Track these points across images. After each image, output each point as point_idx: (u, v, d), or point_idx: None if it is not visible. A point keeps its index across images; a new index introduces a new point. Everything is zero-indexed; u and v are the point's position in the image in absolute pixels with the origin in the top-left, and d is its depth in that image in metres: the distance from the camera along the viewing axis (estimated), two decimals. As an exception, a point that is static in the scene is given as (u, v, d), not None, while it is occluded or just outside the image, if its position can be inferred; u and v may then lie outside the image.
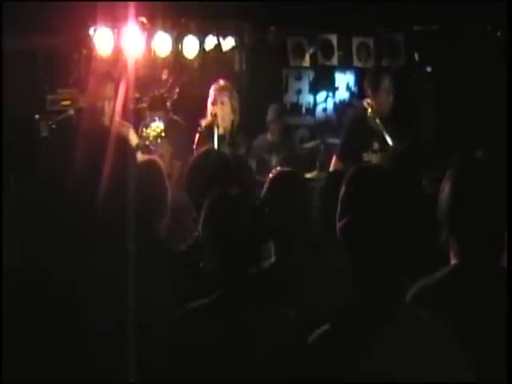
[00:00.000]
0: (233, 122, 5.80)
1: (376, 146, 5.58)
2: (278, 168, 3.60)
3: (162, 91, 7.17)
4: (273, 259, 3.16)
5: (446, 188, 2.48)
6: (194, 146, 5.62)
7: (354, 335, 2.21)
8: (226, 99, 5.77)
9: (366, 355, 2.16)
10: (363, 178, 2.39)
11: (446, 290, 2.44)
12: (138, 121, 6.13)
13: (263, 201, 3.23)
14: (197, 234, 3.30)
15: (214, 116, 5.70)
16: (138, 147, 5.43)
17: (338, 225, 2.30)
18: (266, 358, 2.39)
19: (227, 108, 5.77)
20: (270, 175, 3.41)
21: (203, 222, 2.55)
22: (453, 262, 2.49)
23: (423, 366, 2.15)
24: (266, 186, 3.35)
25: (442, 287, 2.45)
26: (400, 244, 2.26)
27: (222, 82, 5.90)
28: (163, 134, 6.00)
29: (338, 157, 5.78)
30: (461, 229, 2.46)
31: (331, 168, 5.75)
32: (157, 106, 6.57)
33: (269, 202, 3.19)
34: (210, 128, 5.73)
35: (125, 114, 5.48)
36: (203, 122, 5.85)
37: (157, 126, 6.07)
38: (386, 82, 5.66)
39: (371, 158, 5.50)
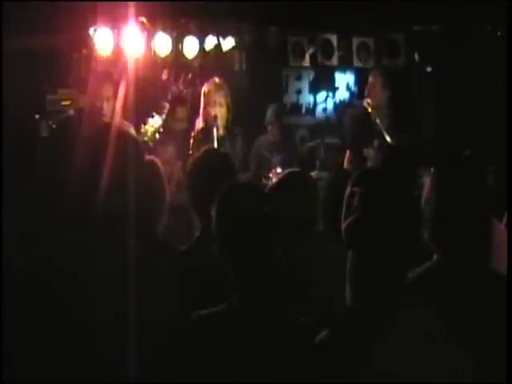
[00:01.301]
0: (227, 119, 5.83)
1: (376, 144, 5.62)
2: (290, 169, 3.58)
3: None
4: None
5: (427, 186, 2.51)
6: (190, 152, 5.63)
7: (356, 337, 2.22)
8: (223, 100, 5.81)
9: (369, 356, 2.16)
10: (369, 179, 2.40)
11: (426, 284, 2.45)
12: (138, 120, 6.13)
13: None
14: (197, 234, 3.31)
15: (214, 118, 5.72)
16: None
17: (343, 225, 2.30)
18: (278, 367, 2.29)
19: (224, 109, 5.81)
20: (281, 175, 3.39)
21: (217, 217, 2.40)
22: (435, 257, 2.52)
23: (423, 365, 2.15)
24: (273, 185, 3.33)
25: (422, 282, 2.47)
26: (404, 243, 2.26)
27: (216, 80, 5.91)
28: (161, 130, 6.00)
29: (350, 152, 5.91)
30: (440, 226, 2.49)
31: (345, 163, 5.91)
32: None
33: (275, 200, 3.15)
34: (206, 130, 5.75)
35: (125, 114, 5.48)
36: (198, 125, 5.87)
37: (155, 122, 6.08)
38: (381, 82, 5.76)
39: (369, 153, 5.56)
